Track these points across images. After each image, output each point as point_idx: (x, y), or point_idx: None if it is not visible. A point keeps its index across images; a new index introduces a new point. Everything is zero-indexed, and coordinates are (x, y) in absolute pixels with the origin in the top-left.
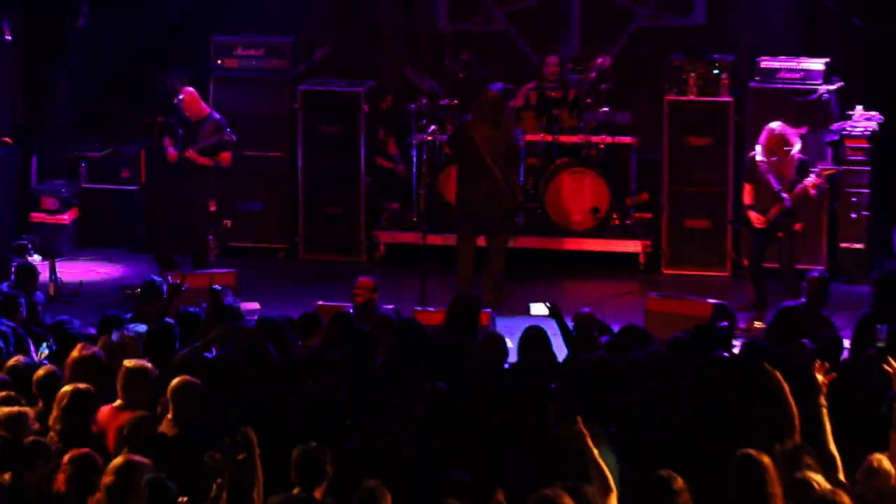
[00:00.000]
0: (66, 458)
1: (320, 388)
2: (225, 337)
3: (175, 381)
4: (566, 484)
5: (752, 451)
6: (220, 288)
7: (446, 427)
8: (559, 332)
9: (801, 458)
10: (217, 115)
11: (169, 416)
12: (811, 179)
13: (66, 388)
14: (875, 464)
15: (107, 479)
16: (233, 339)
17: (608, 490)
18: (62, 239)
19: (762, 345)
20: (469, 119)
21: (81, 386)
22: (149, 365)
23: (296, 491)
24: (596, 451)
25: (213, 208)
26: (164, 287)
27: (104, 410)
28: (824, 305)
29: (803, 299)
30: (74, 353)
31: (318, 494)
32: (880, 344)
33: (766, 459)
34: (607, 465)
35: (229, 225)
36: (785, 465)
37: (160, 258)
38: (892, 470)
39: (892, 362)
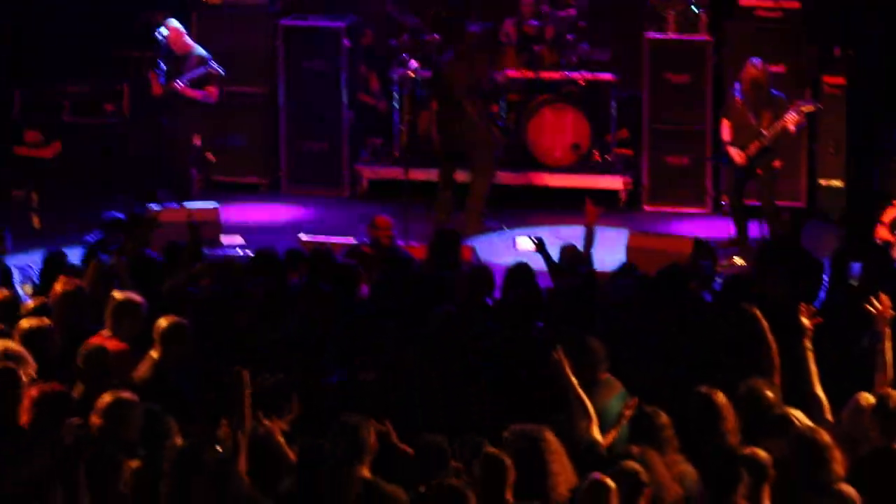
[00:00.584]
0: (33, 390)
1: (310, 322)
2: (212, 271)
3: (164, 323)
4: (558, 418)
5: (706, 389)
6: (198, 223)
7: (429, 365)
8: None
9: (764, 395)
10: (201, 50)
11: (154, 355)
12: (791, 116)
13: (23, 322)
14: (862, 402)
15: (95, 419)
16: (219, 274)
17: (589, 419)
18: (45, 173)
19: (742, 282)
20: (445, 59)
21: (34, 322)
22: (137, 297)
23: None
24: (575, 380)
25: (197, 142)
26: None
27: (92, 341)
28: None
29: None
30: (58, 287)
31: (284, 425)
32: (853, 282)
33: (721, 397)
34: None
35: (213, 159)
36: (750, 402)
37: (144, 193)
38: None
39: (874, 301)
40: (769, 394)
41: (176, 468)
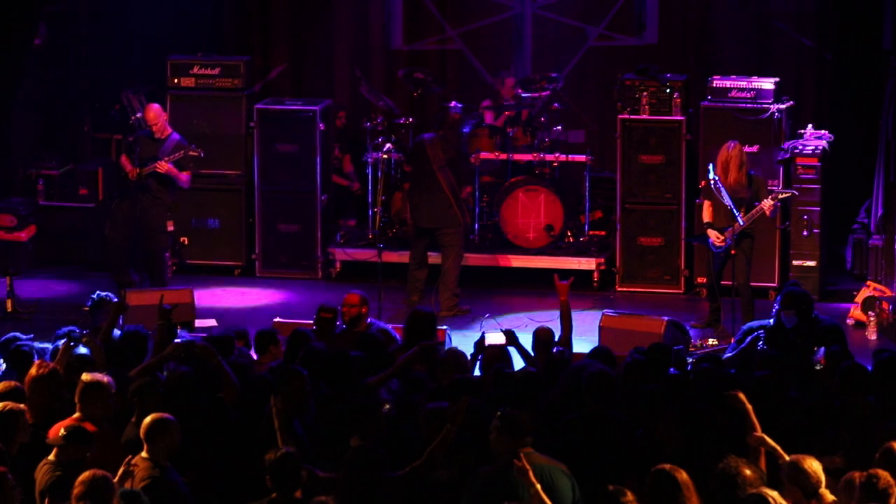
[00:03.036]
0: None
1: (287, 404)
2: (179, 354)
3: (150, 420)
4: None
5: (668, 467)
6: (170, 306)
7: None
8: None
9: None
10: (177, 135)
11: (144, 455)
12: (767, 202)
13: None
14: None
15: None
16: (186, 357)
17: None
18: (19, 256)
19: (716, 365)
20: (427, 136)
21: (4, 405)
22: (105, 378)
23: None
24: (539, 486)
25: (170, 227)
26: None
27: (62, 424)
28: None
29: (770, 321)
30: (32, 371)
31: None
32: (818, 367)
33: (683, 475)
34: (563, 488)
35: (186, 242)
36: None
37: (117, 276)
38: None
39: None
40: (747, 473)
41: None
